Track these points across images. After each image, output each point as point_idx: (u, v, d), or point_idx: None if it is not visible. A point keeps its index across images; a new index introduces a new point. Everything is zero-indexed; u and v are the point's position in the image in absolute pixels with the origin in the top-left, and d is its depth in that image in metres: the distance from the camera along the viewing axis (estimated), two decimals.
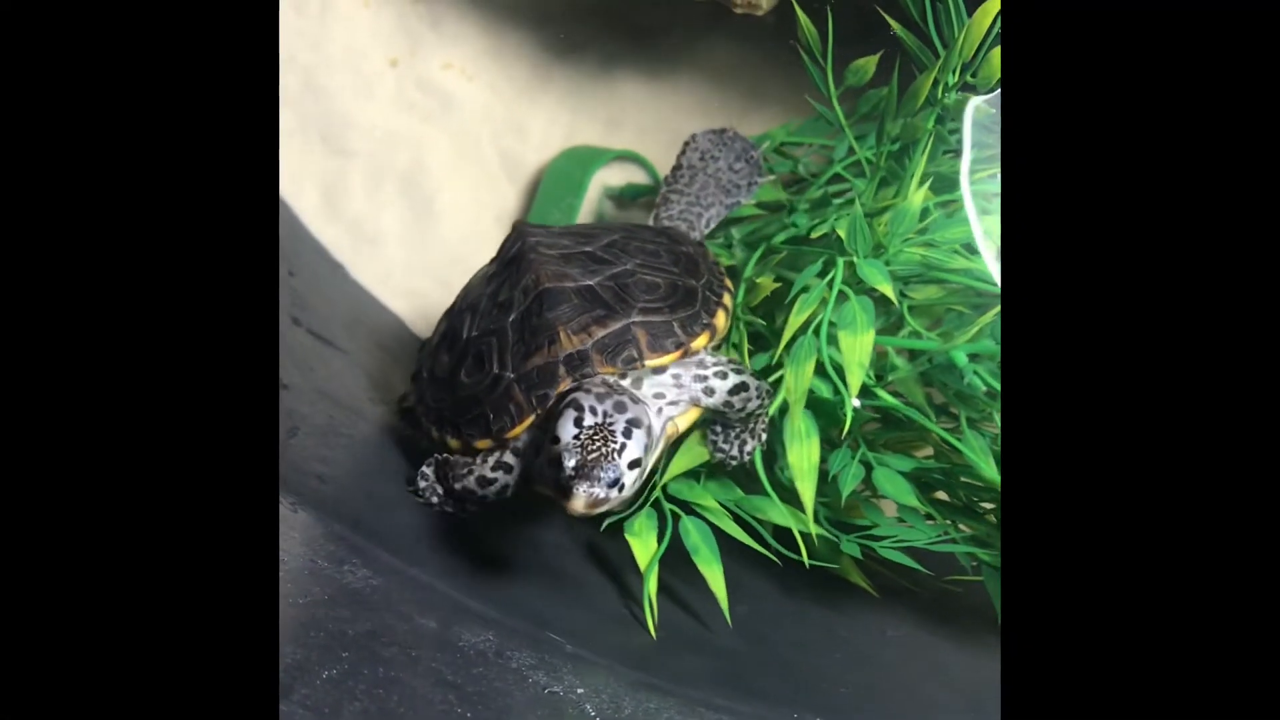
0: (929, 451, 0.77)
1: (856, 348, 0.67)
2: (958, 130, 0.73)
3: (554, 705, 0.57)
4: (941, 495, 0.75)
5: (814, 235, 0.77)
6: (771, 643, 0.76)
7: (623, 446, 0.62)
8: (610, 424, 0.62)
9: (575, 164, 1.04)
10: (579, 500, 0.60)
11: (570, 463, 0.61)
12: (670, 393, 0.70)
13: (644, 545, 0.71)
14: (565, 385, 0.66)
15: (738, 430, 0.73)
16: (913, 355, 0.72)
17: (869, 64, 0.83)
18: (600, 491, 0.60)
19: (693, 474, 0.76)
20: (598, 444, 0.61)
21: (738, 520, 0.73)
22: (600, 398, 0.64)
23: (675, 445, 0.74)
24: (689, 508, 0.74)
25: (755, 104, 1.06)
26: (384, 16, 1.06)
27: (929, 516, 0.74)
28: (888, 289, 0.68)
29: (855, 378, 0.67)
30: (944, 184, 0.76)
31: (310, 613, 0.56)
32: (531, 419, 0.68)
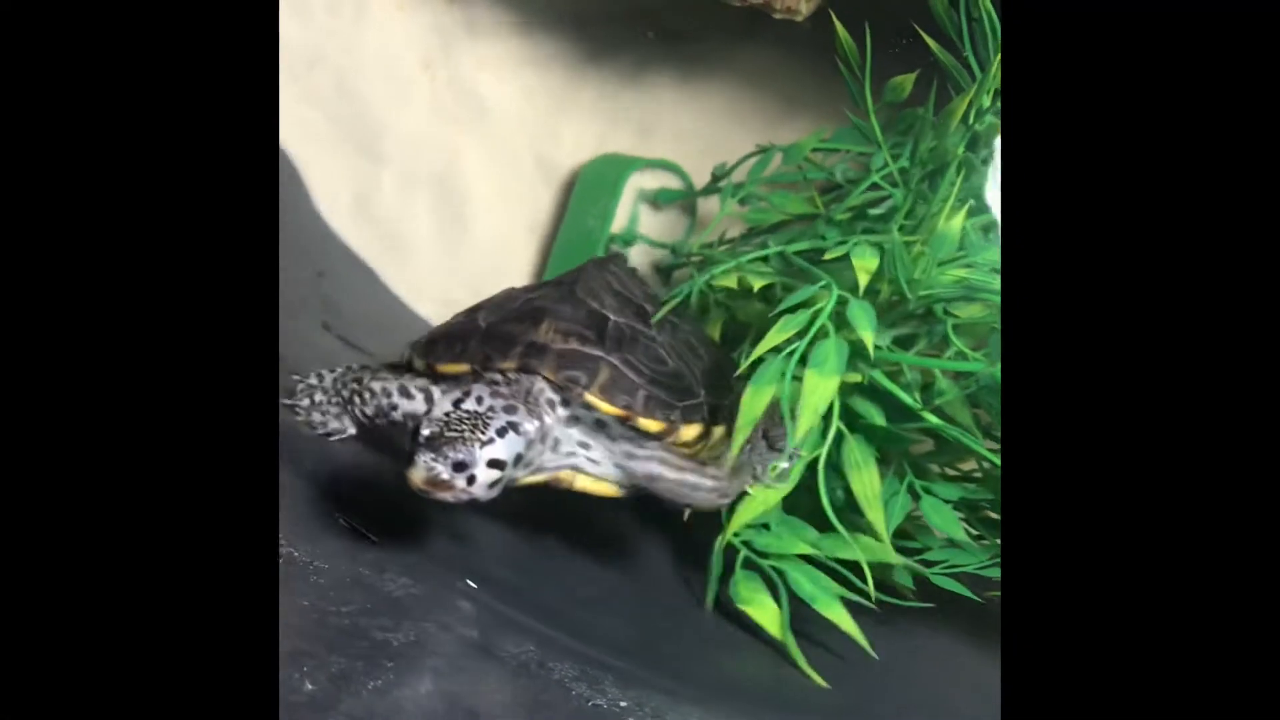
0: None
1: (818, 390, 0.63)
2: (989, 157, 0.73)
3: (598, 718, 0.57)
4: (991, 514, 0.75)
5: (828, 257, 0.74)
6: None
7: (489, 440, 0.60)
8: (488, 417, 0.61)
9: (609, 170, 1.04)
10: (418, 471, 0.58)
11: (425, 431, 0.59)
12: (597, 451, 0.68)
13: (764, 611, 0.68)
14: (510, 364, 0.65)
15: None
16: (959, 376, 0.71)
17: (906, 81, 0.83)
18: (442, 470, 0.58)
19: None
20: (464, 427, 0.59)
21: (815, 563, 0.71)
22: (495, 394, 0.63)
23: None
24: (755, 553, 0.72)
25: (789, 111, 1.06)
26: (418, 21, 1.06)
27: (979, 537, 0.73)
28: (868, 336, 0.64)
29: (806, 421, 0.63)
30: (980, 206, 0.75)
31: (354, 622, 0.55)
32: (464, 368, 0.67)
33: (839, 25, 0.80)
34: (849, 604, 0.69)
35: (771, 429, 0.73)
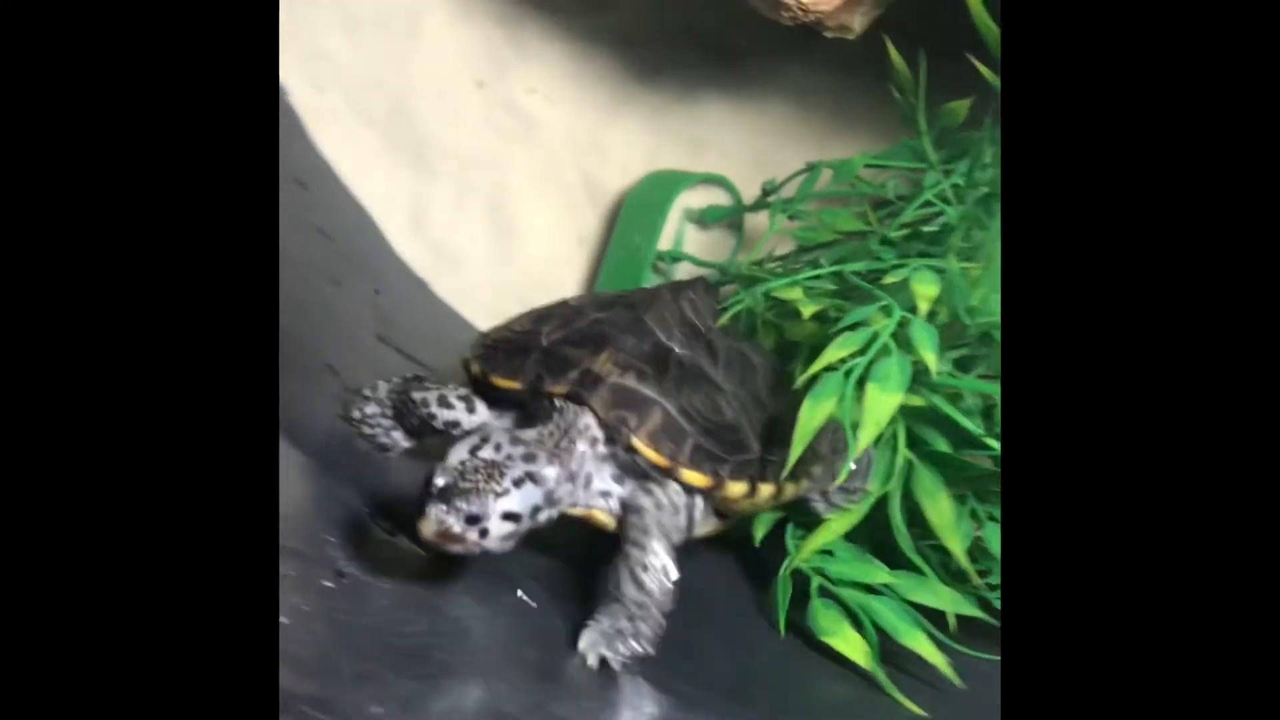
0: None
1: (880, 405, 0.63)
2: None
3: None
4: None
5: (888, 281, 0.73)
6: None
7: (505, 492, 0.57)
8: (506, 466, 0.58)
9: (658, 187, 1.04)
10: (429, 523, 0.55)
11: (439, 481, 0.56)
12: (625, 489, 0.65)
13: (849, 643, 0.67)
14: (560, 388, 0.64)
15: (624, 616, 0.61)
16: None
17: (961, 108, 0.82)
18: (454, 523, 0.55)
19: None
20: (479, 477, 0.57)
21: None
22: (515, 441, 0.60)
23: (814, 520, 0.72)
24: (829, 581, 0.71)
25: (840, 128, 1.06)
26: (470, 39, 1.07)
27: None
28: (931, 357, 0.64)
29: (868, 435, 0.63)
30: None
31: (420, 644, 0.56)
32: (515, 385, 0.65)
33: (892, 48, 0.80)
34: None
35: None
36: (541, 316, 0.72)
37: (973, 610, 0.68)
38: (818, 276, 0.86)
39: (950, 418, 0.68)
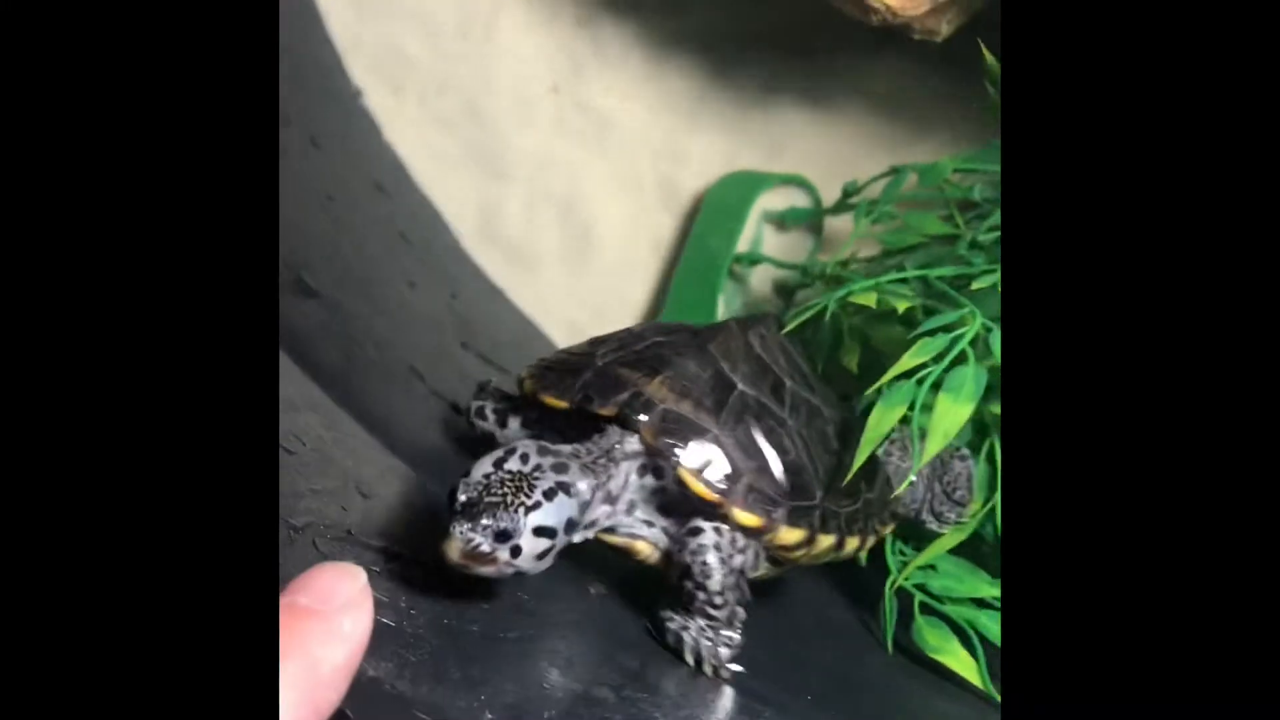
0: None
1: (950, 415, 0.62)
2: None
3: None
4: None
5: (976, 288, 0.72)
6: None
7: (535, 505, 0.52)
8: (535, 478, 0.53)
9: (737, 189, 1.03)
10: (454, 544, 0.51)
11: (461, 497, 0.52)
12: (661, 525, 0.62)
13: (959, 659, 0.66)
14: (609, 410, 0.59)
15: (696, 620, 0.60)
16: None
17: None
18: (482, 541, 0.51)
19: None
20: (504, 490, 0.52)
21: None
22: (544, 452, 0.55)
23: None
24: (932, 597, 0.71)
25: (921, 131, 1.04)
26: (547, 42, 1.07)
27: None
28: None
29: (935, 445, 0.61)
30: None
31: (524, 648, 0.56)
32: (561, 404, 0.62)
33: (986, 51, 0.79)
34: None
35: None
36: (601, 340, 0.69)
37: None
38: (903, 280, 0.85)
39: None
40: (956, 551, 0.71)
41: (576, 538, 0.58)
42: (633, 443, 0.60)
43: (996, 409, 0.72)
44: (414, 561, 0.58)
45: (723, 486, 0.59)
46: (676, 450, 0.59)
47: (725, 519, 0.59)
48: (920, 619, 0.68)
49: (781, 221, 1.04)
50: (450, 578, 0.58)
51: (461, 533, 0.51)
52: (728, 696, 0.60)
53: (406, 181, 1.05)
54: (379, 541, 0.59)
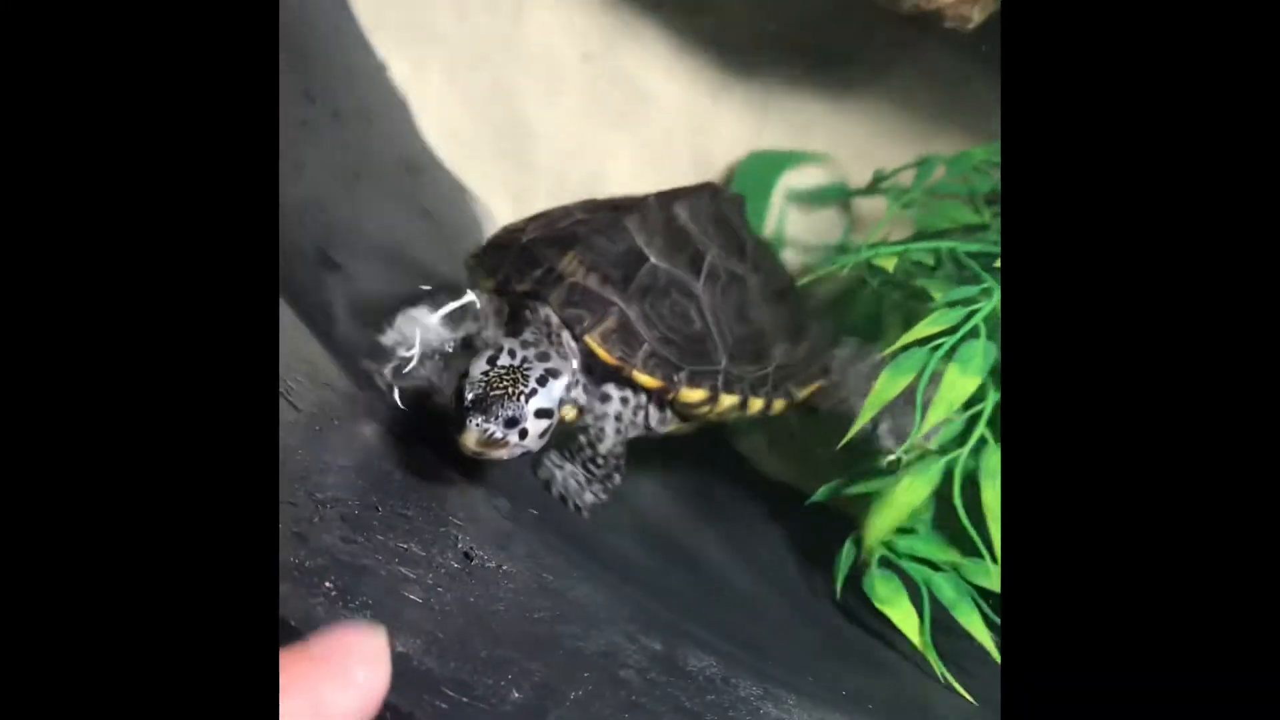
0: None
1: (957, 386, 0.63)
2: None
3: None
4: None
5: (997, 265, 0.72)
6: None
7: (533, 392, 0.60)
8: (526, 368, 0.61)
9: (763, 167, 1.02)
10: (471, 434, 0.58)
11: (470, 395, 0.59)
12: (590, 383, 0.68)
13: (904, 614, 0.68)
14: (524, 287, 0.67)
15: (571, 458, 0.71)
16: None
17: None
18: (495, 429, 0.58)
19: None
20: (505, 383, 0.59)
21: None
22: (525, 345, 0.63)
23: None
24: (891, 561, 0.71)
25: (949, 119, 1.02)
26: (577, 17, 1.06)
27: None
28: None
29: (937, 414, 0.63)
30: None
31: (549, 629, 0.55)
32: (490, 282, 0.69)
33: None
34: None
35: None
36: (536, 216, 0.75)
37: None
38: (935, 251, 0.84)
39: None
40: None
41: (569, 414, 0.66)
42: (551, 315, 0.67)
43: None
44: (440, 540, 0.58)
45: (624, 351, 0.65)
46: (583, 320, 0.66)
47: (630, 382, 0.67)
48: (875, 570, 0.69)
49: (808, 202, 1.03)
50: (480, 560, 0.59)
51: (477, 424, 0.58)
52: (749, 680, 0.59)
53: (432, 159, 1.04)
54: (405, 519, 0.58)
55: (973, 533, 0.66)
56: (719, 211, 0.78)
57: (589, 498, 0.71)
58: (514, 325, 0.69)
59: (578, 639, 0.56)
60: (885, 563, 0.70)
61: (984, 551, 0.66)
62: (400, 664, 0.46)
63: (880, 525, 0.68)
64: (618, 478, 0.71)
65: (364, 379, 0.70)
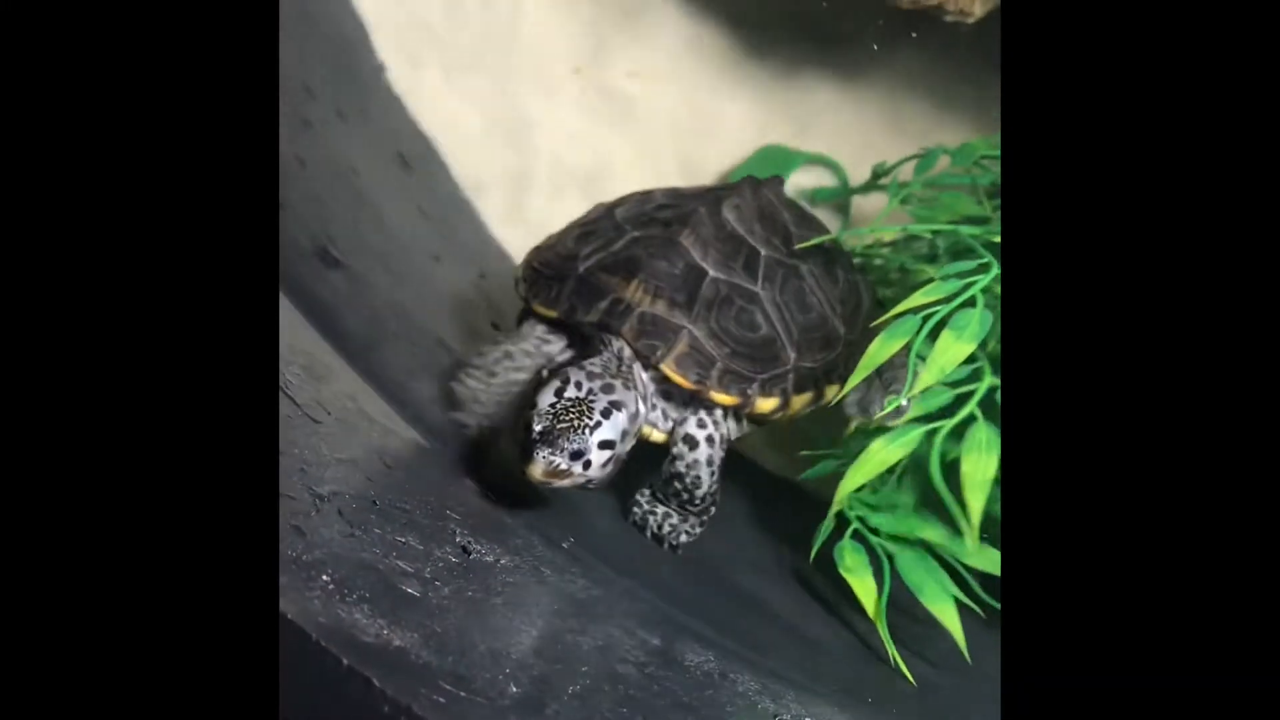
0: None
1: (949, 349, 0.64)
2: None
3: None
4: None
5: (997, 240, 0.71)
6: (976, 676, 0.72)
7: (597, 424, 0.61)
8: (591, 400, 0.62)
9: (766, 166, 1.02)
10: (538, 465, 0.59)
11: (538, 427, 0.60)
12: (671, 408, 0.70)
13: (863, 585, 0.68)
14: (593, 318, 0.67)
15: (665, 501, 0.71)
16: None
17: None
18: (560, 460, 0.60)
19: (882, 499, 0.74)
20: (571, 416, 0.61)
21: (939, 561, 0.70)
22: (591, 376, 0.63)
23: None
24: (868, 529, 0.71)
25: (949, 113, 1.02)
26: (573, 18, 1.06)
27: None
28: None
29: (930, 376, 0.64)
30: None
31: (547, 623, 0.55)
32: (552, 313, 0.69)
33: None
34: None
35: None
36: (585, 233, 0.74)
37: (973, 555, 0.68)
38: (933, 237, 0.84)
39: None
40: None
41: (630, 444, 0.65)
42: (623, 346, 0.67)
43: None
44: (438, 534, 0.58)
45: (700, 374, 0.67)
46: (657, 350, 0.66)
47: (708, 402, 0.68)
48: (846, 540, 0.69)
49: (810, 200, 1.03)
50: (477, 553, 0.59)
51: (544, 456, 0.60)
52: (746, 675, 0.59)
53: (430, 157, 1.04)
54: (404, 513, 0.58)
55: (949, 498, 0.66)
56: (763, 204, 0.77)
57: (684, 537, 0.71)
58: (580, 349, 0.70)
59: (576, 633, 0.56)
60: (859, 536, 0.71)
61: (964, 526, 0.65)
62: (398, 658, 0.47)
63: (849, 484, 0.68)
64: (713, 509, 0.71)
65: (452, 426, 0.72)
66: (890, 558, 0.69)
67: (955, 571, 0.69)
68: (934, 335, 0.66)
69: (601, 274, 0.69)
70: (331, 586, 0.49)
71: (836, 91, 1.06)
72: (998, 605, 0.67)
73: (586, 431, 0.60)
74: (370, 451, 0.63)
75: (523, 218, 1.06)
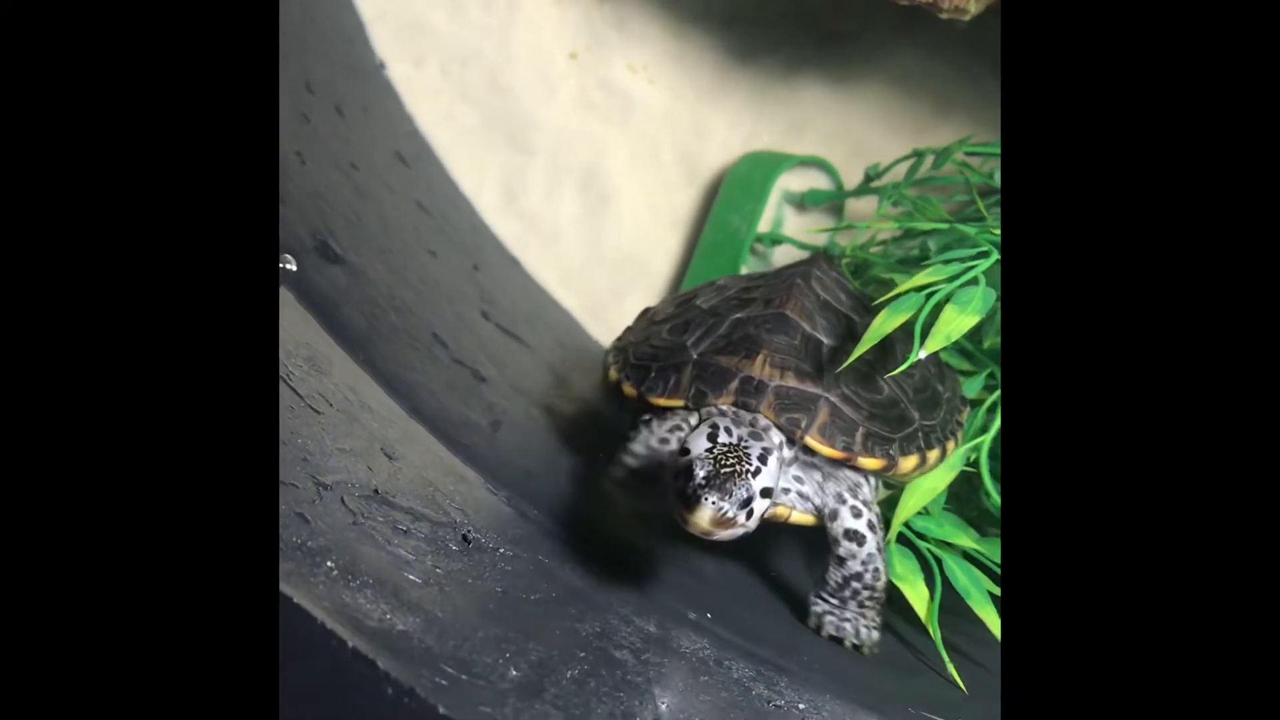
0: None
1: (953, 322, 0.65)
2: None
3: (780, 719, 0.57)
4: None
5: (996, 234, 0.74)
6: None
7: (758, 470, 0.58)
8: (746, 447, 0.59)
9: (758, 169, 1.03)
10: (705, 512, 0.56)
11: (701, 472, 0.57)
12: (808, 487, 0.66)
13: (916, 592, 0.68)
14: (725, 400, 0.64)
15: (845, 603, 0.68)
16: None
17: None
18: (729, 508, 0.56)
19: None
20: (732, 461, 0.57)
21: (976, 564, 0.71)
22: (737, 423, 0.62)
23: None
24: (915, 534, 0.72)
25: (942, 114, 1.04)
26: (570, 17, 1.07)
27: None
28: None
29: (935, 343, 0.64)
30: None
31: (546, 610, 0.56)
32: (678, 403, 0.66)
33: None
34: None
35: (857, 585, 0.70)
36: (679, 325, 0.72)
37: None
38: (934, 230, 0.85)
39: None
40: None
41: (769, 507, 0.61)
42: (762, 419, 0.64)
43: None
44: (439, 522, 0.59)
45: (845, 441, 0.64)
46: (800, 422, 0.64)
47: (855, 468, 0.66)
48: (894, 547, 0.70)
49: (802, 202, 1.04)
50: (477, 543, 0.60)
51: (714, 503, 0.56)
52: (741, 661, 0.60)
53: (427, 152, 1.05)
54: (405, 501, 0.59)
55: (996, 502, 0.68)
56: (838, 275, 0.78)
57: (876, 634, 0.68)
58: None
59: (574, 620, 0.57)
60: (903, 540, 0.71)
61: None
62: (401, 642, 0.48)
63: (905, 510, 0.70)
64: (884, 595, 0.68)
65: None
66: (939, 563, 0.70)
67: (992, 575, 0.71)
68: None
69: (720, 357, 0.67)
70: (336, 572, 0.50)
71: (830, 93, 1.07)
72: None
73: (749, 477, 0.57)
74: (371, 442, 0.64)
75: (518, 212, 1.07)
